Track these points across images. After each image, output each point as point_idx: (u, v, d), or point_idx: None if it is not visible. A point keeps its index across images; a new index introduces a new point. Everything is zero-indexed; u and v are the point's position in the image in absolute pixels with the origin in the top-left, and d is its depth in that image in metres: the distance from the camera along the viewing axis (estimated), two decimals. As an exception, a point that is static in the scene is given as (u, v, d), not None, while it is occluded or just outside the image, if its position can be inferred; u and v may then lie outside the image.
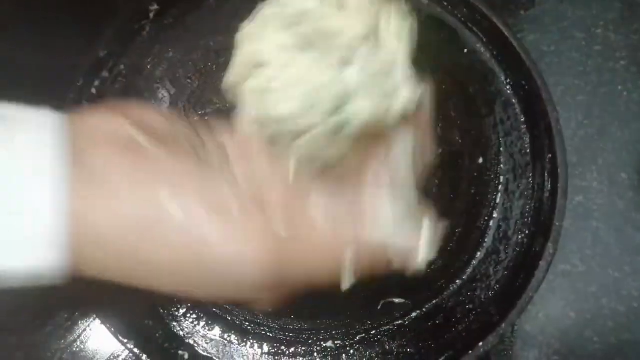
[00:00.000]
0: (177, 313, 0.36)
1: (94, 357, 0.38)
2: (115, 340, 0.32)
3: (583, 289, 0.38)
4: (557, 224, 0.34)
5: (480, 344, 0.33)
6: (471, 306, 0.36)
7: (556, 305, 0.38)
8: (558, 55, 0.43)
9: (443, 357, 0.34)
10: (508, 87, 0.38)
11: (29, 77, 0.40)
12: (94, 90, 0.38)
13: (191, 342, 0.35)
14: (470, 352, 0.32)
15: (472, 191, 0.38)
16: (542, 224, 0.35)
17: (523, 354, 0.37)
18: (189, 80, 0.40)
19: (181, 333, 0.36)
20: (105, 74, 0.39)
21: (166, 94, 0.40)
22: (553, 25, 0.44)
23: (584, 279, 0.39)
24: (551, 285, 0.38)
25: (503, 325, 0.33)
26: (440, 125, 0.38)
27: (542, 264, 0.33)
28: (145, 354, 0.33)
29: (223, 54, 0.39)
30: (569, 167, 0.40)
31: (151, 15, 0.39)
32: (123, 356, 0.38)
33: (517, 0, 0.44)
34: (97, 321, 0.38)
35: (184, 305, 0.36)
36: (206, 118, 0.39)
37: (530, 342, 0.37)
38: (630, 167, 0.41)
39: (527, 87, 0.37)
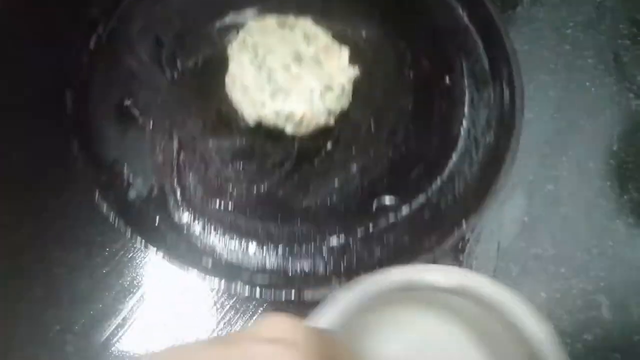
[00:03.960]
0: (196, 231, 0.40)
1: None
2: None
3: (553, 271, 0.41)
4: (517, 122, 0.41)
5: (464, 221, 0.39)
6: (451, 198, 0.41)
7: (528, 286, 0.41)
8: (530, 53, 0.46)
9: (434, 237, 0.39)
10: (466, 18, 0.45)
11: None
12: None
13: (213, 252, 0.40)
14: (457, 229, 0.38)
15: (444, 106, 0.44)
16: (505, 126, 0.41)
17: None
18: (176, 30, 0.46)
19: (202, 246, 0.40)
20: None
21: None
22: (525, 26, 0.47)
23: (554, 261, 0.41)
24: (524, 268, 0.41)
25: (481, 207, 0.39)
26: (411, 54, 0.45)
27: (508, 155, 0.40)
28: (172, 261, 0.38)
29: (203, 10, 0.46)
30: (541, 157, 0.43)
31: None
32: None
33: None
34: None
35: (202, 221, 0.41)
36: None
37: None
38: (597, 157, 0.44)
39: (481, 15, 0.44)
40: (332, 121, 0.43)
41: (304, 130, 0.42)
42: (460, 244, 0.41)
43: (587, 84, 0.46)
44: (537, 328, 0.31)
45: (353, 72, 0.43)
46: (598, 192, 0.43)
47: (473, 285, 0.31)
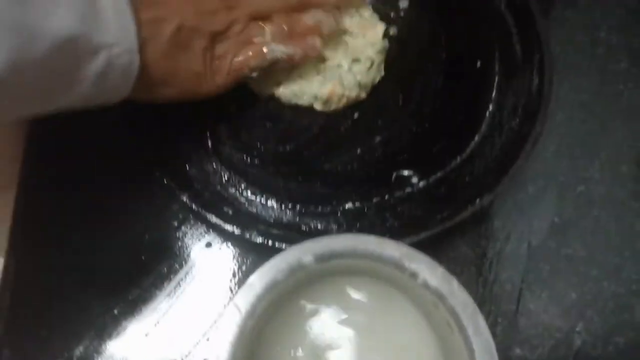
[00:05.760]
0: (222, 180, 0.42)
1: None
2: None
3: (584, 272, 0.40)
4: (543, 109, 0.40)
5: (478, 200, 0.38)
6: (469, 178, 0.41)
7: (559, 287, 0.40)
8: (563, 56, 0.46)
9: (446, 214, 0.39)
10: (502, 5, 0.44)
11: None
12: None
13: (234, 202, 0.41)
14: (469, 207, 0.38)
15: (472, 88, 0.44)
16: (530, 113, 0.41)
17: (527, 330, 0.39)
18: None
19: (225, 195, 0.41)
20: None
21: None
22: (558, 28, 0.47)
23: (585, 263, 0.40)
24: (555, 268, 0.40)
25: (498, 187, 0.38)
26: (446, 36, 0.45)
27: (529, 142, 0.39)
28: (195, 204, 0.39)
29: None
30: (573, 159, 0.43)
31: None
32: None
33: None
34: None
35: (228, 172, 0.42)
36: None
37: (534, 319, 0.39)
38: (630, 160, 0.43)
39: (518, 4, 0.43)
40: (363, 94, 0.43)
41: (334, 107, 0.43)
42: (491, 242, 0.41)
43: (620, 87, 0.45)
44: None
45: (382, 44, 0.44)
46: (630, 195, 0.42)
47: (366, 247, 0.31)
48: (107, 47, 0.32)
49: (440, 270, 0.31)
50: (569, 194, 0.42)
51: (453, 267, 0.40)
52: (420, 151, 0.42)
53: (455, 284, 0.30)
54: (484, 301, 0.40)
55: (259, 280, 0.30)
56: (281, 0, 0.41)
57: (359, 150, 0.43)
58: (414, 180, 0.41)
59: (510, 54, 0.44)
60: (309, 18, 0.41)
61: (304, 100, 0.43)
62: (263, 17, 0.40)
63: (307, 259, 0.30)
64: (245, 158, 0.42)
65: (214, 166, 0.42)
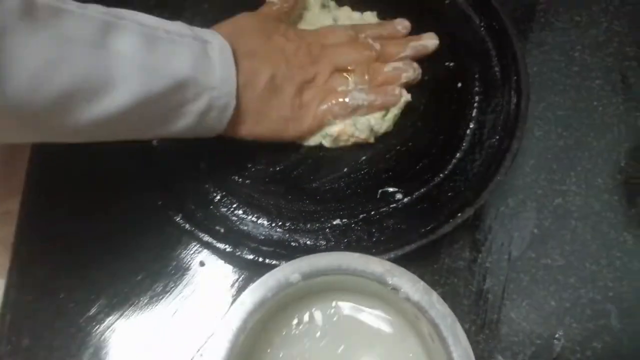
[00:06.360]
0: (214, 200, 0.43)
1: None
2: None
3: (563, 281, 0.42)
4: (521, 126, 0.43)
5: (459, 214, 0.40)
6: (452, 194, 0.43)
7: (538, 295, 0.41)
8: (540, 75, 0.48)
9: (429, 227, 0.41)
10: (482, 29, 0.48)
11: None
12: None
13: (226, 220, 0.43)
14: (451, 220, 0.40)
15: (453, 107, 0.46)
16: (509, 130, 0.43)
17: (509, 338, 0.41)
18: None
19: (218, 214, 0.43)
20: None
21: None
22: (536, 49, 0.49)
23: (563, 272, 0.42)
24: (533, 278, 0.42)
25: (478, 201, 0.41)
26: (428, 59, 0.47)
27: (508, 157, 0.42)
28: (189, 224, 0.41)
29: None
30: (550, 173, 0.45)
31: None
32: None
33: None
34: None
35: (221, 192, 0.44)
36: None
37: (515, 327, 0.40)
38: (605, 173, 0.45)
39: (497, 27, 0.47)
40: (372, 140, 0.45)
41: (342, 144, 0.45)
42: (473, 253, 0.43)
43: (595, 103, 0.47)
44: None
45: (404, 99, 0.45)
46: (606, 206, 0.44)
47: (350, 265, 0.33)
48: (211, 89, 0.37)
49: (421, 284, 0.33)
50: (547, 207, 0.44)
51: (437, 278, 0.42)
52: (404, 169, 0.44)
53: (435, 296, 0.32)
54: (468, 311, 0.41)
55: (249, 297, 0.32)
56: (362, 55, 0.45)
57: (345, 169, 0.45)
58: (399, 196, 0.43)
59: (489, 74, 0.46)
60: (389, 68, 0.45)
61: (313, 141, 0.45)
62: (346, 69, 0.45)
63: (295, 277, 0.32)
64: (237, 179, 0.44)
65: (207, 187, 0.44)
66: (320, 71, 0.44)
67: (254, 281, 0.32)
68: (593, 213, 0.44)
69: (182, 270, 0.43)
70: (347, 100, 0.43)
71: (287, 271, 0.33)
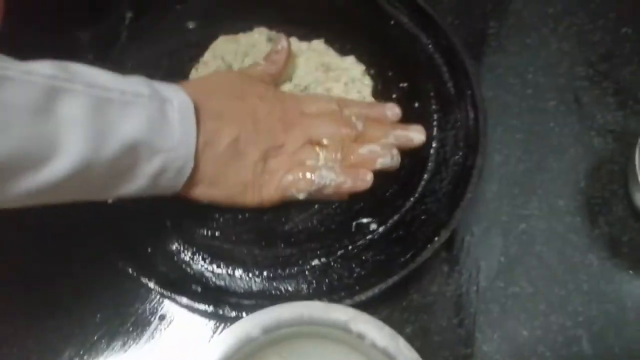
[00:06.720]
0: (186, 258, 0.42)
1: None
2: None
3: (532, 308, 0.41)
4: (482, 140, 0.43)
5: (436, 238, 0.40)
6: (425, 217, 0.42)
7: (509, 325, 0.41)
8: (496, 99, 0.48)
9: (409, 255, 0.40)
10: (430, 46, 0.47)
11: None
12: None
13: (202, 278, 0.41)
14: (429, 245, 0.39)
15: None
16: (471, 145, 0.43)
17: (483, 372, 0.40)
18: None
19: (192, 272, 0.41)
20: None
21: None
22: (490, 73, 0.49)
23: (532, 299, 0.41)
24: (503, 308, 0.41)
25: (452, 221, 0.40)
26: (382, 83, 0.47)
27: (475, 172, 0.41)
28: (164, 289, 0.39)
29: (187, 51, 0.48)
30: (512, 198, 0.45)
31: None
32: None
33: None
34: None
35: (191, 249, 0.42)
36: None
37: None
38: (566, 194, 0.45)
39: (444, 44, 0.46)
40: None
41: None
42: (442, 287, 0.42)
43: (551, 124, 0.47)
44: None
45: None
46: (569, 228, 0.44)
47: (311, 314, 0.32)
48: (167, 151, 0.35)
49: (386, 330, 0.31)
50: (512, 232, 0.44)
51: (406, 316, 0.41)
52: (375, 198, 0.43)
53: (401, 342, 0.31)
54: (439, 347, 0.40)
55: (208, 356, 0.30)
56: (340, 131, 0.42)
57: (316, 205, 0.43)
58: (373, 226, 0.42)
59: (443, 91, 0.46)
60: (365, 150, 0.42)
61: None
62: (320, 142, 0.42)
63: (255, 332, 0.31)
64: (206, 232, 0.42)
65: (177, 245, 0.42)
66: (291, 140, 0.42)
67: (212, 338, 0.31)
68: (557, 236, 0.44)
69: (160, 332, 0.41)
70: (314, 178, 0.41)
71: (248, 326, 0.31)
